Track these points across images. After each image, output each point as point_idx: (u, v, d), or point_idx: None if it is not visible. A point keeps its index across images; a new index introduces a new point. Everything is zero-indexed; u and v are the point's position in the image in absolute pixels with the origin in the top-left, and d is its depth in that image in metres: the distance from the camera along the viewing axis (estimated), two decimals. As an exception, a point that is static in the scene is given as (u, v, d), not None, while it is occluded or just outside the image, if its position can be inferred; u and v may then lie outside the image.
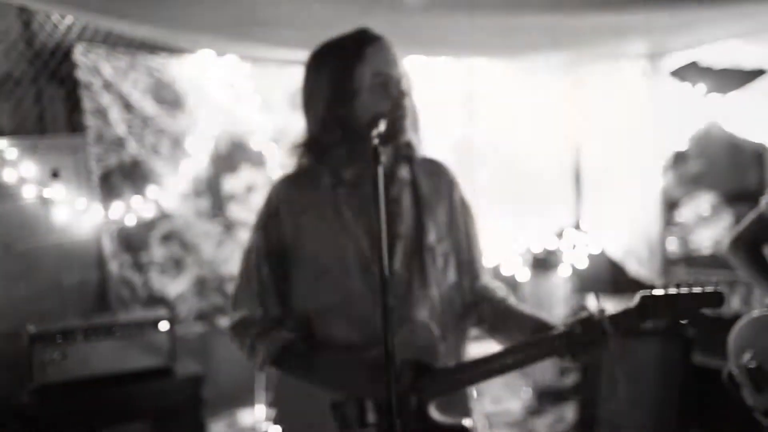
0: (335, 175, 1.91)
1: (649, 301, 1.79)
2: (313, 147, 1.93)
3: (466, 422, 1.92)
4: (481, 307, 2.06)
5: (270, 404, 2.05)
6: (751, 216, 2.65)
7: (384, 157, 1.64)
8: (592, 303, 1.75)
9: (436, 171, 2.04)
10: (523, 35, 3.46)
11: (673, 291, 1.79)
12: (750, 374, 2.42)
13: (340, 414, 1.87)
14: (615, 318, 1.79)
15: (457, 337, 2.04)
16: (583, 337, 1.78)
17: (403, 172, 1.96)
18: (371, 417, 1.85)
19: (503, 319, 2.01)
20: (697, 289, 1.78)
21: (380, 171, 1.57)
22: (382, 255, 1.55)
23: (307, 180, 1.95)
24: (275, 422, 2.02)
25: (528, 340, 1.86)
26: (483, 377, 1.88)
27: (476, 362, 1.89)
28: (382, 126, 1.74)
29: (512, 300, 2.06)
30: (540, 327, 1.89)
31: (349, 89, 1.86)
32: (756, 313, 2.59)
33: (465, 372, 1.89)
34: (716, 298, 1.77)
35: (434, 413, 1.88)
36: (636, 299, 1.80)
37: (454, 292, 2.02)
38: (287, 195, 1.96)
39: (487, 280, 2.11)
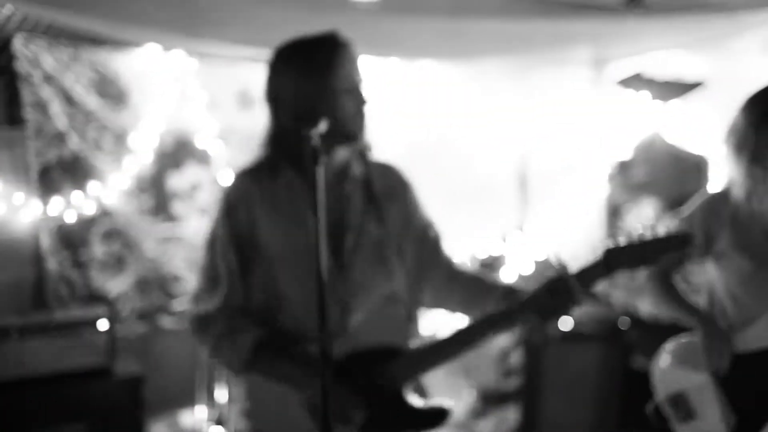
0: (296, 170, 1.94)
1: (614, 253, 1.79)
2: (280, 141, 1.96)
3: (446, 403, 1.92)
4: (454, 284, 2.08)
5: (232, 399, 2.02)
6: None
7: (341, 153, 1.73)
8: (555, 263, 1.74)
9: (390, 173, 2.10)
10: (469, 39, 3.49)
11: (636, 239, 1.77)
12: (674, 404, 2.44)
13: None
14: (581, 275, 1.81)
15: (406, 330, 2.04)
16: (551, 300, 1.79)
17: (357, 169, 2.01)
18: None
19: (477, 291, 2.04)
20: (661, 234, 1.76)
21: (320, 171, 1.60)
22: (319, 254, 1.56)
23: (267, 173, 1.97)
24: (245, 415, 1.99)
25: (497, 310, 1.88)
26: (459, 352, 1.89)
27: (449, 339, 1.91)
28: (322, 126, 1.75)
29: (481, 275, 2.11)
30: (510, 292, 1.93)
31: (329, 91, 1.89)
32: (674, 345, 2.57)
33: (439, 350, 1.90)
34: (681, 240, 1.76)
35: (411, 398, 1.90)
36: (601, 252, 1.79)
37: (408, 287, 2.05)
38: (248, 188, 1.98)
39: (456, 263, 2.14)
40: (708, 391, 2.38)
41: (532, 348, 4.31)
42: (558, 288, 1.79)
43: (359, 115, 1.92)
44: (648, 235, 1.77)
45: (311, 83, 1.89)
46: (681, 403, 2.42)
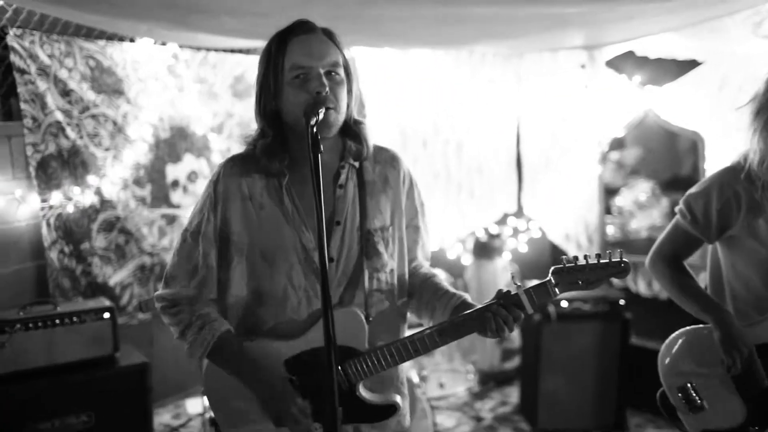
0: (278, 165, 1.94)
1: (561, 273, 1.91)
2: (260, 137, 1.96)
3: (397, 398, 2.01)
4: (410, 281, 2.13)
5: (203, 392, 2.13)
6: (668, 228, 2.52)
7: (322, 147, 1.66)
8: (510, 280, 1.89)
9: (387, 161, 2.09)
10: (463, 26, 3.49)
11: (582, 262, 1.91)
12: (683, 395, 2.37)
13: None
14: (532, 292, 1.91)
15: (398, 320, 2.10)
16: (503, 313, 1.88)
17: (349, 162, 2.00)
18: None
19: (429, 293, 2.08)
20: (604, 260, 1.92)
21: (319, 158, 1.61)
22: (322, 244, 1.57)
23: (253, 166, 1.98)
24: (211, 409, 2.08)
25: (452, 319, 1.94)
26: (408, 355, 1.94)
27: (401, 342, 1.95)
28: (321, 114, 1.77)
29: (440, 279, 2.13)
30: (461, 305, 1.98)
31: (271, 85, 1.91)
32: (683, 332, 2.46)
33: (391, 353, 1.94)
34: (622, 268, 1.92)
35: (364, 393, 1.96)
36: (549, 273, 1.91)
37: (396, 277, 2.07)
38: (234, 180, 1.99)
39: (422, 260, 2.19)
40: (720, 384, 2.33)
41: (531, 328, 4.34)
42: (511, 303, 1.90)
43: (324, 104, 1.82)
44: (593, 260, 1.92)
45: (265, 78, 1.92)
46: (690, 395, 2.36)
